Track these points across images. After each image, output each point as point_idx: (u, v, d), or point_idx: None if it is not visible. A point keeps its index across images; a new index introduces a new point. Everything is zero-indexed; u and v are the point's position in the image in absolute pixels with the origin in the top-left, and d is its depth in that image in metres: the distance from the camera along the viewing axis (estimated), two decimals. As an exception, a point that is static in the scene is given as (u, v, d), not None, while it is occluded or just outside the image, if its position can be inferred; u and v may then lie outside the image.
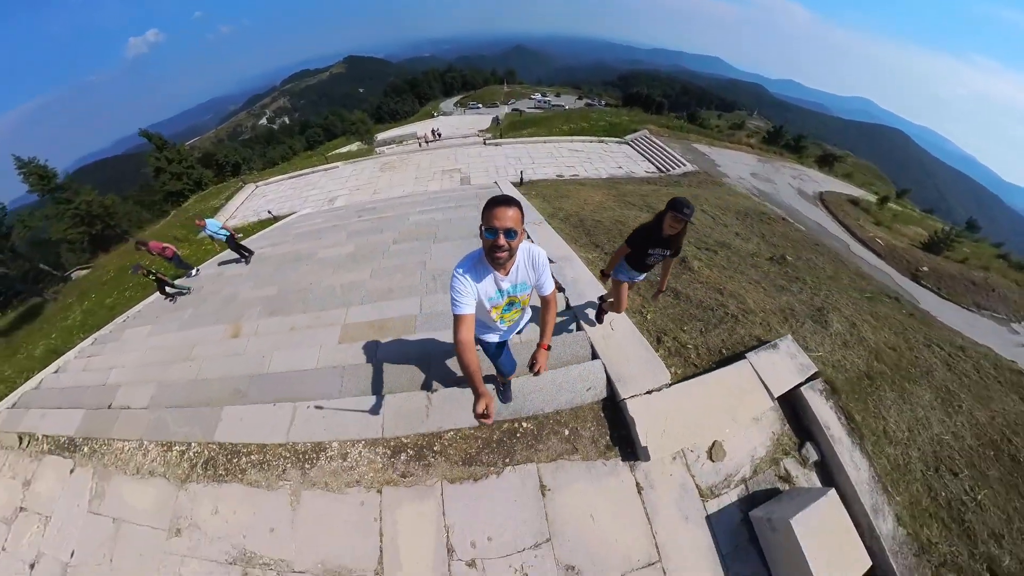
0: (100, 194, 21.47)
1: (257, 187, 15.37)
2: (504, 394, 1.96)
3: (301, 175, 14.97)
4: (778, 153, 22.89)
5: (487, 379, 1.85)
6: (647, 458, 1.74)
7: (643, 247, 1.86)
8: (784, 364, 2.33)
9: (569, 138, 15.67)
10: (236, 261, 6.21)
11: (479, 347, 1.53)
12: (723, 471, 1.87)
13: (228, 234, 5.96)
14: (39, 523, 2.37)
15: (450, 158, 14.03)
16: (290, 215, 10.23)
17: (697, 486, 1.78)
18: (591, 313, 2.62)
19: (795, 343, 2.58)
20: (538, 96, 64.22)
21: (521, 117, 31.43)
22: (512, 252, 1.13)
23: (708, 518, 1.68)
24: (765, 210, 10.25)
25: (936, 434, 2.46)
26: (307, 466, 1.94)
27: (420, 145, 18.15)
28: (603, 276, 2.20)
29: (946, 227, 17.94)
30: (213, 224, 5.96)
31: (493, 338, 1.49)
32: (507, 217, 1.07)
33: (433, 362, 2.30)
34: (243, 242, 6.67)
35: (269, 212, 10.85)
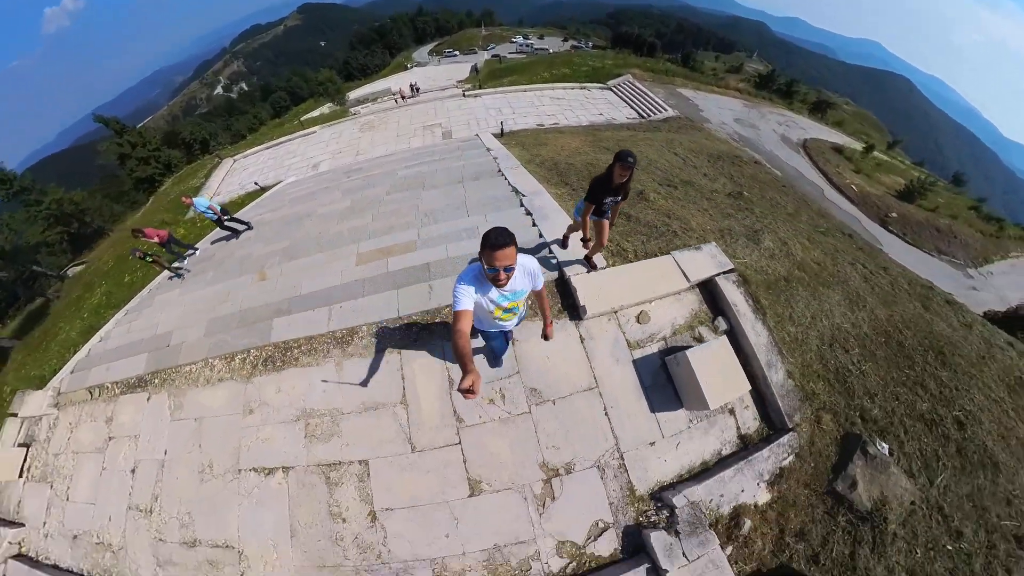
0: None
1: (235, 161, 14.87)
2: (496, 361, 2.30)
3: (279, 143, 14.43)
4: (767, 99, 22.14)
5: (479, 352, 2.26)
6: (586, 314, 2.45)
7: (600, 197, 2.22)
8: (704, 261, 2.99)
9: (551, 86, 15.06)
10: (227, 239, 6.10)
11: (480, 336, 1.88)
12: (648, 331, 2.60)
13: (216, 216, 5.77)
14: (130, 442, 3.03)
15: (430, 113, 13.56)
16: (276, 184, 10.17)
17: (627, 340, 2.51)
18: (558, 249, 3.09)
19: (718, 248, 3.22)
20: (520, 39, 58.11)
21: (501, 64, 29.09)
22: (510, 277, 1.34)
23: (634, 362, 2.42)
24: (739, 154, 10.48)
25: (837, 323, 3.13)
26: (345, 345, 2.63)
27: (397, 102, 17.13)
28: (572, 229, 2.60)
29: (921, 176, 18.30)
30: (201, 202, 5.80)
31: (494, 331, 1.77)
32: (505, 257, 1.23)
33: (432, 265, 2.96)
34: (237, 214, 6.71)
35: (256, 183, 10.79)
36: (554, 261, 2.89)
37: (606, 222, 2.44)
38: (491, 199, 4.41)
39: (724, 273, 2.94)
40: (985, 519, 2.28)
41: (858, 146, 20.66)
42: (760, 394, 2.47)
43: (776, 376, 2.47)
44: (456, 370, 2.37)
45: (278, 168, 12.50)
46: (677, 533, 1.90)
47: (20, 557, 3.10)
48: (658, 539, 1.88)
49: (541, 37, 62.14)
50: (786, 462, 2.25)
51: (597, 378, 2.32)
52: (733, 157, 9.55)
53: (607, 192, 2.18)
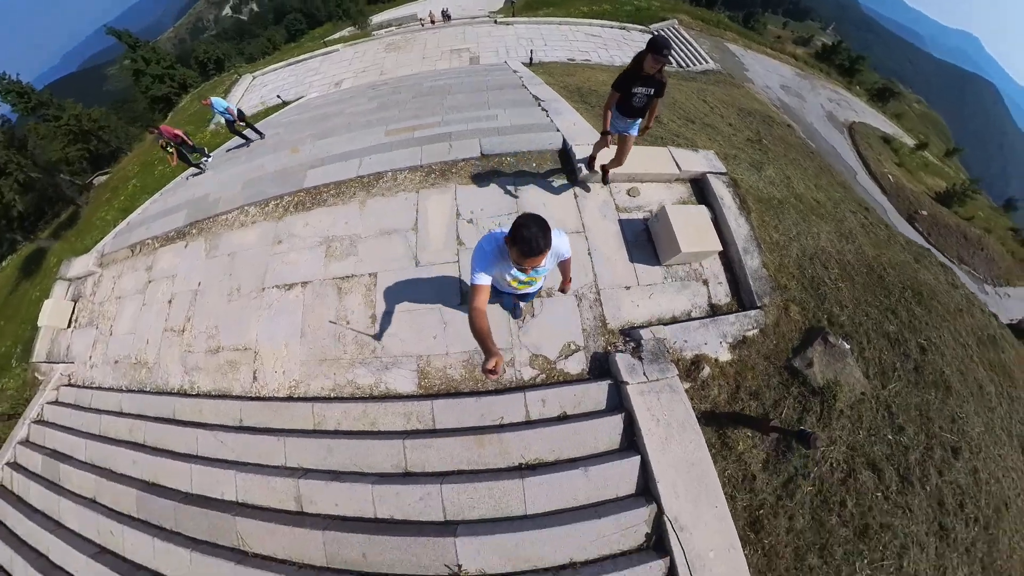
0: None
1: (255, 78, 14.60)
2: (516, 310, 2.31)
3: (299, 61, 14.05)
4: (825, 72, 19.92)
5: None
6: (582, 174, 2.77)
7: (628, 87, 2.01)
8: (698, 160, 3.24)
9: (588, 21, 13.98)
10: (239, 147, 6.06)
11: (495, 300, 1.80)
12: (636, 203, 2.94)
13: (232, 118, 5.69)
14: (167, 281, 3.55)
15: (458, 37, 12.89)
16: (299, 99, 10.08)
17: (616, 204, 2.87)
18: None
19: (715, 156, 3.40)
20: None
21: (542, -7, 26.00)
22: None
23: (620, 220, 2.80)
24: (772, 115, 9.95)
25: (822, 244, 3.30)
26: (370, 188, 3.06)
27: (423, 26, 15.94)
28: (603, 136, 2.33)
29: (966, 182, 16.95)
30: (219, 103, 5.72)
31: (508, 293, 1.70)
32: (537, 262, 1.13)
33: (453, 134, 3.34)
34: (257, 124, 6.68)
35: (279, 97, 10.70)
36: (559, 131, 3.15)
37: (631, 137, 2.29)
38: (511, 101, 4.57)
39: (716, 174, 3.18)
40: (927, 427, 2.52)
41: (910, 142, 19.05)
42: (734, 276, 2.73)
43: (751, 262, 2.73)
44: (464, 206, 2.72)
45: (299, 85, 12.29)
46: (641, 359, 2.19)
47: (69, 385, 3.78)
48: (623, 360, 2.17)
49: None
50: (750, 333, 2.48)
51: (585, 225, 2.74)
52: (765, 116, 9.12)
53: (636, 80, 1.96)
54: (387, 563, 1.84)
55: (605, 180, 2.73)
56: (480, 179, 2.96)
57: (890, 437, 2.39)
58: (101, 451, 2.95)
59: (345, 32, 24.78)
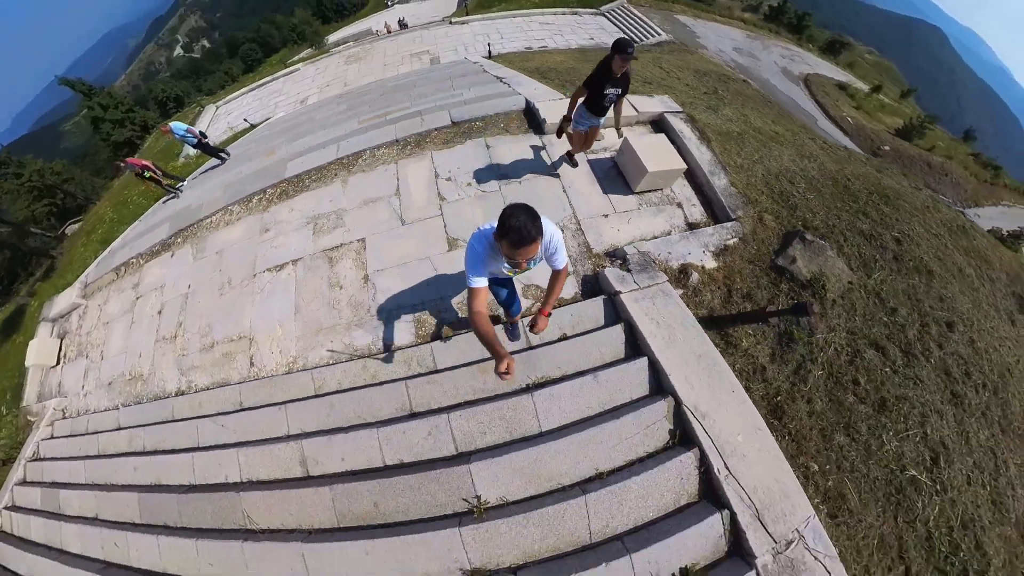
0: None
1: (218, 107, 14.56)
2: (512, 332, 2.12)
3: (261, 85, 14.08)
4: (774, 32, 20.69)
5: (494, 320, 2.05)
6: (547, 130, 2.97)
7: (600, 87, 2.14)
8: (654, 103, 3.49)
9: (540, 11, 14.36)
10: (215, 167, 6.12)
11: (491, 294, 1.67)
12: (601, 146, 3.14)
13: (195, 138, 5.76)
14: (156, 293, 3.53)
15: (416, 41, 13.10)
16: (266, 120, 10.11)
17: (595, 171, 3.02)
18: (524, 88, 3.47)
19: (671, 99, 3.62)
20: (511, -28, 51.50)
21: (492, -6, 26.55)
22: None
23: (588, 161, 3.01)
24: (728, 73, 10.36)
25: (786, 165, 3.49)
26: (351, 167, 3.21)
27: (377, 34, 16.12)
28: (566, 120, 2.38)
29: (921, 116, 17.74)
30: (178, 127, 5.76)
31: (502, 277, 1.59)
32: (530, 252, 1.09)
33: (423, 112, 3.51)
34: (228, 147, 6.69)
35: (245, 120, 10.70)
36: (521, 94, 3.34)
37: (598, 128, 2.39)
38: (474, 83, 4.78)
39: (673, 112, 3.41)
40: (918, 307, 2.63)
41: (865, 87, 19.83)
42: (706, 198, 2.90)
43: (719, 182, 2.91)
44: (441, 167, 2.87)
45: (264, 108, 12.30)
46: (629, 270, 2.29)
47: (64, 419, 3.72)
48: (612, 273, 2.24)
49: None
50: (730, 241, 2.60)
51: (558, 172, 2.90)
52: (721, 75, 9.50)
53: (607, 81, 2.10)
54: (401, 509, 1.76)
55: (573, 163, 2.78)
56: (453, 143, 3.13)
57: (885, 319, 2.49)
58: (101, 468, 2.88)
59: (303, 54, 24.87)
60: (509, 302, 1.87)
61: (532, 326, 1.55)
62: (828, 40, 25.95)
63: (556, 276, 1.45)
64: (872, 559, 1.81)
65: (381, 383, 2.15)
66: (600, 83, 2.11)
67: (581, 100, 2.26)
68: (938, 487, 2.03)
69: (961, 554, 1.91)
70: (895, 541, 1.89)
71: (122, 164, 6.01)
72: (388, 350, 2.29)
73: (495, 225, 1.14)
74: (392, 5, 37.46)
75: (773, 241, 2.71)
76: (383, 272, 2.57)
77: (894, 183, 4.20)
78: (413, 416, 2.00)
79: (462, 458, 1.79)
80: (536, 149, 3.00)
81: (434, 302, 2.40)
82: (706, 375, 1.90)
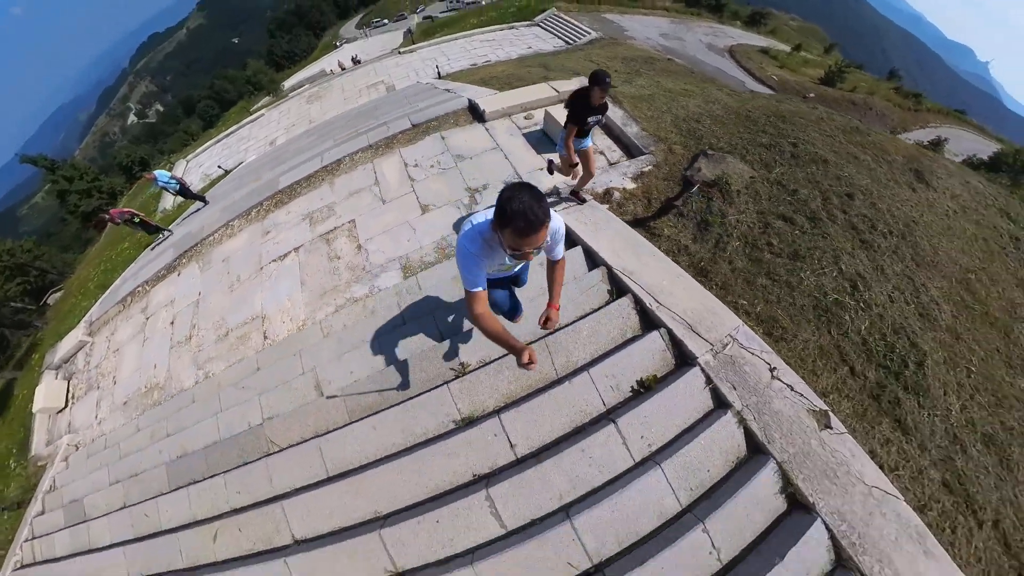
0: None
1: (188, 161, 15.11)
2: (515, 310, 2.08)
3: (229, 133, 14.87)
4: (696, 14, 22.79)
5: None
6: (487, 117, 3.85)
7: (583, 116, 2.30)
8: (571, 84, 4.36)
9: (480, 31, 15.73)
10: (198, 210, 6.67)
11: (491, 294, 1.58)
12: (531, 122, 3.98)
13: (178, 184, 6.37)
14: (166, 308, 4.00)
15: (370, 73, 14.14)
16: (240, 164, 10.81)
17: (517, 126, 3.91)
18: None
19: (585, 79, 4.52)
20: (450, -4, 54.76)
21: (434, 23, 28.44)
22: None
23: (523, 134, 3.82)
24: (653, 55, 11.66)
25: (692, 111, 4.24)
26: (335, 172, 3.99)
27: (332, 72, 17.18)
28: (571, 167, 2.54)
29: (839, 61, 19.74)
30: (162, 175, 6.35)
31: (501, 276, 1.54)
32: (538, 240, 0.97)
33: (388, 121, 4.26)
34: (203, 195, 7.29)
35: (219, 167, 11.33)
36: (464, 96, 4.20)
37: (591, 148, 2.54)
38: (427, 96, 5.62)
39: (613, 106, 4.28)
40: (818, 186, 3.10)
41: (787, 48, 21.81)
42: (623, 144, 3.64)
43: (631, 130, 3.72)
44: (408, 158, 3.64)
45: (235, 154, 12.98)
46: (560, 199, 2.90)
47: (77, 451, 3.95)
48: (548, 202, 3.07)
49: (472, -9, 58.86)
50: (646, 168, 3.23)
51: (499, 144, 3.72)
52: (647, 58, 10.75)
53: (588, 111, 2.26)
54: (400, 392, 2.11)
55: (582, 200, 2.79)
56: (415, 140, 3.93)
57: (788, 198, 2.96)
58: (125, 465, 3.07)
59: (262, 102, 25.86)
60: (512, 309, 1.79)
61: (545, 321, 1.42)
62: (749, 14, 28.62)
63: (555, 266, 1.38)
64: (816, 364, 2.18)
65: (375, 312, 2.70)
66: (583, 115, 2.30)
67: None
68: (862, 305, 2.44)
69: (898, 351, 2.28)
70: (834, 349, 2.26)
71: (107, 216, 6.31)
72: (382, 290, 2.87)
73: (489, 216, 1.05)
74: (341, 45, 39.39)
75: (683, 163, 3.35)
76: (372, 239, 3.26)
77: (791, 107, 4.84)
78: (404, 323, 2.55)
79: (445, 338, 2.27)
80: (481, 133, 3.81)
81: (415, 250, 3.05)
82: (631, 249, 2.37)
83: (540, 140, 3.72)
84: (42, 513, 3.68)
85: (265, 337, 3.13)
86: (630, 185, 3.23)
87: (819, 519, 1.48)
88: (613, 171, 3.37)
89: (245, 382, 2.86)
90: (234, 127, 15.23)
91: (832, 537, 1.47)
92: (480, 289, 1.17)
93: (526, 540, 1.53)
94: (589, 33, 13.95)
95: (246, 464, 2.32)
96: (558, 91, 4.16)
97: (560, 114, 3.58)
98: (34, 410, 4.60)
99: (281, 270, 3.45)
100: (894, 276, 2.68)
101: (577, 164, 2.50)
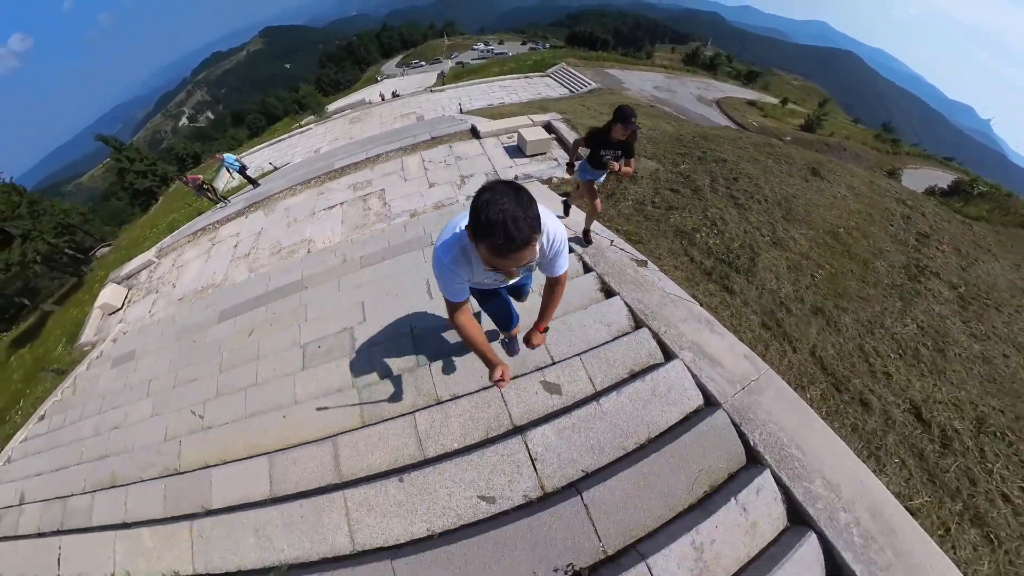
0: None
1: (240, 157, 17.83)
2: (511, 346, 1.84)
3: (279, 141, 17.62)
4: (691, 72, 26.41)
5: (490, 335, 1.89)
6: (481, 136, 5.82)
7: (597, 147, 2.23)
8: (545, 117, 6.34)
9: (500, 78, 18.84)
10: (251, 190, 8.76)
11: (481, 312, 1.49)
12: (510, 141, 5.87)
13: (240, 165, 8.12)
14: (231, 239, 5.80)
15: (405, 105, 17.04)
16: (287, 164, 13.33)
17: (500, 142, 5.81)
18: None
19: (557, 114, 6.60)
20: (481, 46, 63.06)
21: (464, 69, 33.24)
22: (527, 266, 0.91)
23: (504, 148, 5.70)
24: (639, 102, 14.19)
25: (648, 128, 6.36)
26: (375, 161, 5.93)
27: (371, 102, 20.54)
28: (569, 166, 2.58)
29: (818, 111, 22.50)
30: (229, 157, 8.17)
31: (491, 288, 1.30)
32: (522, 259, 0.76)
33: (416, 134, 6.28)
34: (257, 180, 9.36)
35: (270, 163, 13.84)
36: (469, 123, 6.24)
37: (597, 184, 2.52)
38: (446, 123, 7.76)
39: (556, 119, 6.32)
40: (711, 174, 4.22)
41: (775, 100, 24.81)
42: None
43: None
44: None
45: (283, 156, 15.56)
46: (517, 178, 4.93)
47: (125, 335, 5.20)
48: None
49: (501, 42, 67.50)
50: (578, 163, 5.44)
51: (486, 151, 5.53)
52: (634, 104, 13.20)
53: (605, 144, 2.18)
54: (389, 252, 3.89)
55: (588, 240, 2.75)
56: (432, 146, 5.81)
57: (681, 180, 4.04)
58: (179, 325, 4.27)
59: (305, 120, 30.12)
60: (506, 318, 1.56)
61: (527, 341, 1.32)
62: (746, 72, 32.53)
63: (554, 284, 1.16)
64: (664, 257, 2.96)
65: (386, 233, 4.19)
66: (597, 144, 2.22)
67: (585, 154, 2.39)
68: (715, 232, 3.32)
69: (735, 253, 3.09)
70: (681, 250, 3.13)
71: (183, 180, 8.30)
72: (394, 224, 4.49)
73: (464, 224, 0.84)
74: (382, 80, 45.70)
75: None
76: (395, 200, 4.97)
77: (718, 132, 6.64)
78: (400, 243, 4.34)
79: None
80: (476, 146, 5.68)
81: (421, 207, 4.67)
82: (555, 207, 3.46)
83: (513, 151, 5.62)
84: (87, 370, 4.89)
85: (308, 251, 4.69)
86: (563, 174, 5.01)
87: (620, 297, 2.12)
88: (558, 168, 5.15)
89: (290, 267, 4.41)
90: (284, 135, 18.19)
91: (630, 311, 2.04)
92: (459, 301, 1.06)
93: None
94: (590, 84, 16.82)
95: (284, 297, 3.63)
96: (532, 120, 6.16)
97: (529, 133, 5.53)
98: (96, 305, 6.03)
99: (327, 215, 5.17)
100: (756, 222, 3.53)
101: (577, 192, 2.54)
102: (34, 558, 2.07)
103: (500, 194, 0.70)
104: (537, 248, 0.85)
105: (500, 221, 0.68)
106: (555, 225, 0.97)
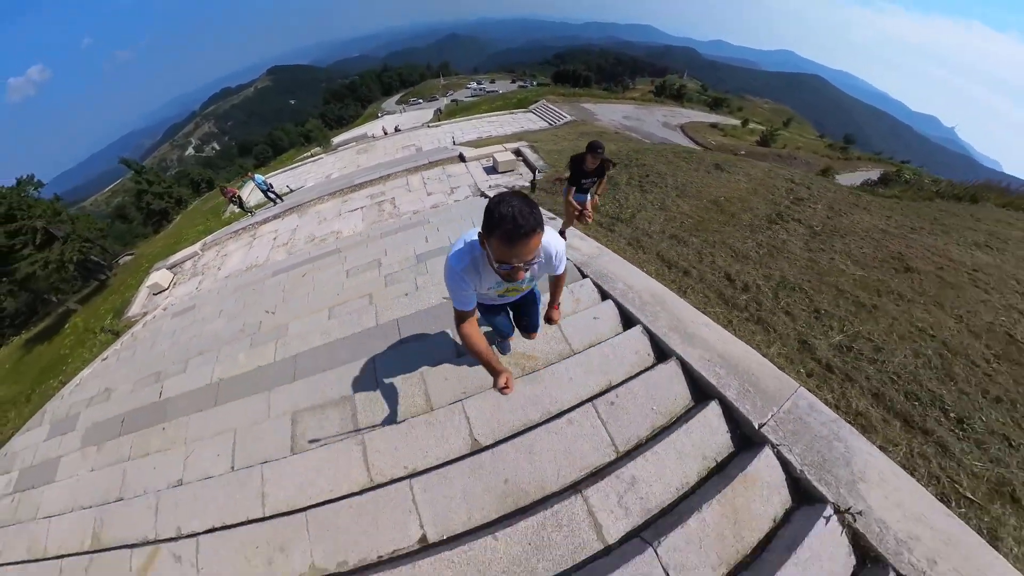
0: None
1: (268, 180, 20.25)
2: (503, 347, 2.09)
3: (294, 167, 20.09)
4: (660, 101, 30.17)
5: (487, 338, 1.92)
6: (467, 160, 7.95)
7: (578, 178, 2.94)
8: (515, 144, 8.57)
9: (488, 114, 21.88)
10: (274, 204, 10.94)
11: (484, 317, 1.58)
12: (488, 163, 8.00)
13: (266, 185, 10.42)
14: (271, 235, 7.65)
15: (405, 138, 19.73)
16: (303, 186, 15.58)
17: (481, 164, 7.88)
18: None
19: (527, 142, 8.88)
20: (474, 85, 69.36)
21: (458, 106, 37.47)
22: (531, 270, 1.04)
23: (483, 168, 7.76)
24: (606, 130, 16.84)
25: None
26: (386, 179, 7.97)
27: (375, 137, 23.47)
28: (575, 216, 3.06)
29: (772, 126, 25.69)
30: (259, 177, 10.70)
31: (496, 304, 1.50)
32: (529, 250, 0.91)
33: (417, 159, 8.44)
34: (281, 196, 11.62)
35: (287, 186, 16.07)
36: (458, 149, 8.42)
37: (588, 202, 3.08)
38: (440, 152, 10.00)
39: (526, 145, 8.53)
40: (629, 172, 5.58)
41: (737, 122, 28.11)
42: (531, 167, 7.33)
43: (539, 163, 7.47)
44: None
45: (298, 180, 17.86)
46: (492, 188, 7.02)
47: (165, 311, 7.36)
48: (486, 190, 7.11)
49: (492, 81, 74.33)
50: (539, 176, 7.00)
51: (469, 171, 7.46)
52: (599, 132, 15.74)
53: (582, 173, 2.89)
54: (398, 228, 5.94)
55: (562, 236, 3.18)
56: (430, 168, 7.76)
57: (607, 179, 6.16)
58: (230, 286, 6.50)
59: (311, 152, 33.42)
60: (506, 329, 1.81)
61: (548, 319, 1.63)
62: (712, 99, 36.81)
63: (557, 279, 1.45)
64: (580, 226, 3.37)
65: (397, 222, 6.18)
66: (578, 176, 2.89)
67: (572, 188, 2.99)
68: (616, 205, 4.50)
69: (628, 212, 4.23)
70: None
71: (224, 190, 10.64)
72: (403, 219, 6.48)
73: (474, 232, 1.05)
74: (382, 116, 50.58)
75: (555, 173, 7.26)
76: (402, 204, 6.76)
77: (649, 147, 8.81)
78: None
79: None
80: (463, 168, 7.65)
81: (421, 208, 6.47)
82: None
83: (490, 169, 7.63)
84: (142, 327, 6.60)
85: (337, 238, 6.46)
86: (526, 183, 7.13)
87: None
88: (523, 179, 7.26)
89: (325, 247, 6.30)
90: (298, 163, 20.78)
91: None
92: (467, 310, 1.16)
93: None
94: (566, 117, 19.72)
95: (326, 256, 5.25)
96: (504, 148, 8.35)
97: (500, 156, 7.67)
98: (145, 285, 7.70)
99: (351, 215, 7.00)
100: (651, 198, 4.68)
101: (579, 212, 2.97)
102: (140, 395, 3.38)
103: (510, 197, 0.88)
104: (541, 249, 0.98)
105: (510, 214, 0.85)
106: (556, 239, 1.16)
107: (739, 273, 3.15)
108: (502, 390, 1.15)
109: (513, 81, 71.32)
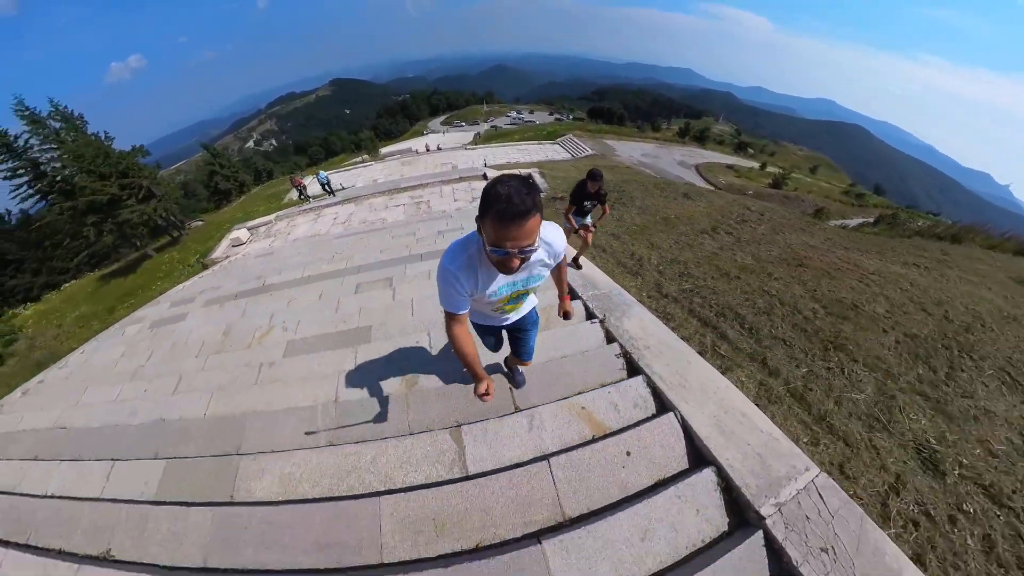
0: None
1: (315, 177, 23.98)
2: (515, 378, 1.96)
3: (346, 169, 23.76)
4: (681, 142, 32.42)
5: (493, 368, 2.00)
6: (488, 178, 10.41)
7: (579, 201, 3.26)
8: (530, 169, 11.05)
9: (518, 143, 24.98)
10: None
11: (476, 334, 1.50)
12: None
13: (327, 179, 13.30)
14: (331, 215, 9.99)
15: (445, 156, 22.97)
16: (353, 186, 18.82)
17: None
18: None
19: (537, 170, 11.32)
20: (514, 114, 75.29)
21: (496, 132, 41.80)
22: (527, 261, 0.95)
23: (485, 175, 10.20)
24: (621, 165, 19.11)
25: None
26: (425, 185, 10.48)
27: (418, 152, 27.30)
28: (572, 232, 3.31)
29: (783, 169, 26.95)
30: (322, 174, 13.57)
31: (493, 324, 1.42)
32: (526, 232, 0.86)
33: (450, 173, 11.04)
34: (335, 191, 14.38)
35: (341, 185, 19.38)
36: (485, 169, 10.88)
37: (588, 224, 3.38)
38: (470, 171, 12.56)
39: (536, 172, 10.88)
40: (610, 200, 6.43)
41: (755, 164, 28.73)
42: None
43: (542, 184, 9.66)
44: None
45: (349, 181, 21.35)
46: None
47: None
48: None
49: (531, 112, 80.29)
50: (541, 196, 9.54)
51: (456, 198, 9.86)
52: (613, 166, 18.03)
53: (583, 197, 3.23)
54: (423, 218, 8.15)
55: (577, 265, 3.37)
56: (459, 181, 10.00)
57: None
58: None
59: (358, 159, 38.25)
60: (496, 346, 1.74)
61: (565, 316, 1.56)
62: (737, 143, 38.56)
63: (558, 268, 1.44)
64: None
65: (430, 215, 8.28)
66: (579, 199, 3.28)
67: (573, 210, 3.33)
68: (591, 220, 5.94)
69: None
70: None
71: (292, 179, 13.93)
72: (433, 213, 8.49)
73: (471, 236, 1.03)
74: (427, 133, 56.51)
75: (562, 192, 9.34)
76: (436, 205, 8.90)
77: (638, 178, 10.78)
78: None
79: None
80: (482, 182, 10.06)
81: (449, 207, 8.55)
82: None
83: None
84: (228, 262, 9.24)
85: (383, 224, 8.75)
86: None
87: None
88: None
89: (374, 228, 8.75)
90: (348, 166, 24.54)
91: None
92: (459, 313, 1.11)
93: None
94: (587, 151, 22.35)
95: (376, 232, 7.10)
96: (519, 172, 10.76)
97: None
98: (228, 236, 10.15)
99: (396, 209, 9.15)
100: (615, 213, 5.87)
101: (577, 231, 3.32)
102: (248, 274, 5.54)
103: (508, 178, 0.86)
104: (539, 241, 0.97)
105: (506, 192, 0.82)
106: (556, 231, 1.13)
107: (643, 255, 3.99)
108: (482, 397, 1.17)
109: (551, 114, 76.71)
